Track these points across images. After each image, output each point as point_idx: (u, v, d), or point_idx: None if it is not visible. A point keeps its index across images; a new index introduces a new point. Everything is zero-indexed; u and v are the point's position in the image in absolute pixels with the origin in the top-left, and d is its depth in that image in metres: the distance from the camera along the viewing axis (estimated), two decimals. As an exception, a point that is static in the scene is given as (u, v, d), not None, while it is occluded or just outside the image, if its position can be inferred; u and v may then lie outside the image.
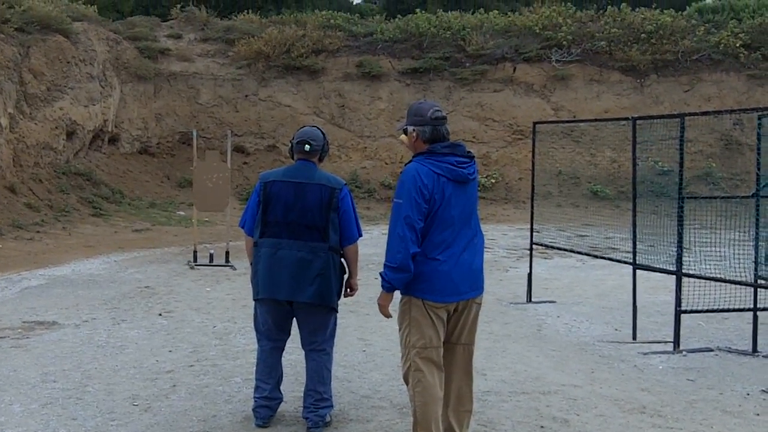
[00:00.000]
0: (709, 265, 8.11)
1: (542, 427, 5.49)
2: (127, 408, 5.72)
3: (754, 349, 7.57)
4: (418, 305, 4.60)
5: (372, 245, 15.96)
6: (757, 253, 7.62)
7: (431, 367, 4.60)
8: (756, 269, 7.60)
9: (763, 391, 6.35)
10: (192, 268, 12.48)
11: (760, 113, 7.52)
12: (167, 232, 17.35)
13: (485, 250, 5.02)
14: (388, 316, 4.70)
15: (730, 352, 7.64)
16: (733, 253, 8.16)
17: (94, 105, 20.62)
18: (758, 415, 5.79)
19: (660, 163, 16.69)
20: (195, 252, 12.86)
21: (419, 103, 4.84)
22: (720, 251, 8.47)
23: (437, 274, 4.55)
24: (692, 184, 20.42)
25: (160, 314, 8.96)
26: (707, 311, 7.93)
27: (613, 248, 13.28)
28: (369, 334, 8.20)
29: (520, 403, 6.02)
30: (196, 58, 24.17)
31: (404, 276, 4.50)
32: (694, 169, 21.48)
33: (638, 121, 8.32)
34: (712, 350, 7.69)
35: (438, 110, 4.72)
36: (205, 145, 20.85)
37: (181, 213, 19.76)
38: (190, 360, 7.05)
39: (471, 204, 4.70)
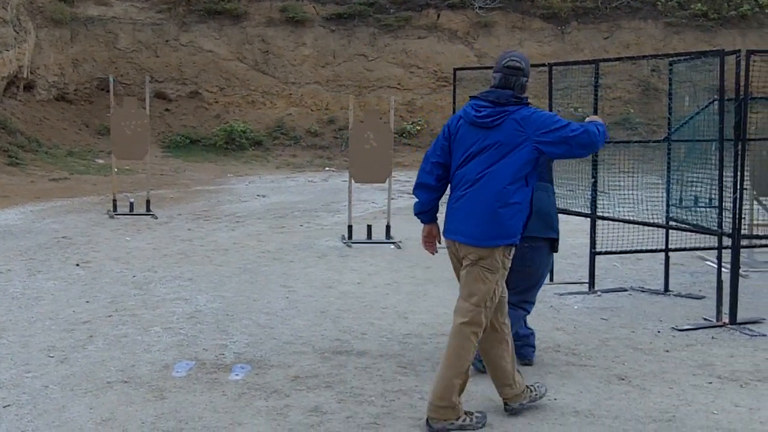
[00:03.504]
0: (624, 208, 8.30)
1: (460, 367, 5.59)
2: (43, 359, 5.64)
3: (666, 289, 7.83)
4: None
5: (297, 193, 15.95)
6: (668, 195, 7.83)
7: None
8: (668, 211, 7.81)
9: (674, 328, 6.58)
10: (111, 217, 12.27)
11: (671, 59, 7.68)
12: (86, 181, 16.99)
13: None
14: (430, 252, 5.09)
15: (643, 291, 7.89)
16: (647, 196, 8.37)
17: (7, 51, 19.88)
18: (668, 351, 6.01)
19: (579, 109, 16.91)
20: (114, 201, 12.63)
21: (505, 52, 4.91)
22: (635, 194, 8.67)
23: (447, 211, 4.76)
24: (611, 129, 20.76)
25: (78, 264, 8.81)
26: (621, 252, 8.16)
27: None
28: (293, 281, 8.21)
29: (440, 345, 6.10)
30: (114, 2, 23.45)
31: (417, 203, 4.91)
32: (614, 115, 21.87)
33: (558, 68, 8.41)
34: (625, 290, 7.93)
35: (514, 59, 4.67)
36: (125, 92, 20.37)
37: (100, 161, 19.34)
38: (108, 310, 6.96)
39: (493, 149, 4.55)
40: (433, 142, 4.86)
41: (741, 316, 6.79)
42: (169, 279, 8.18)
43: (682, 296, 7.72)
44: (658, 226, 7.82)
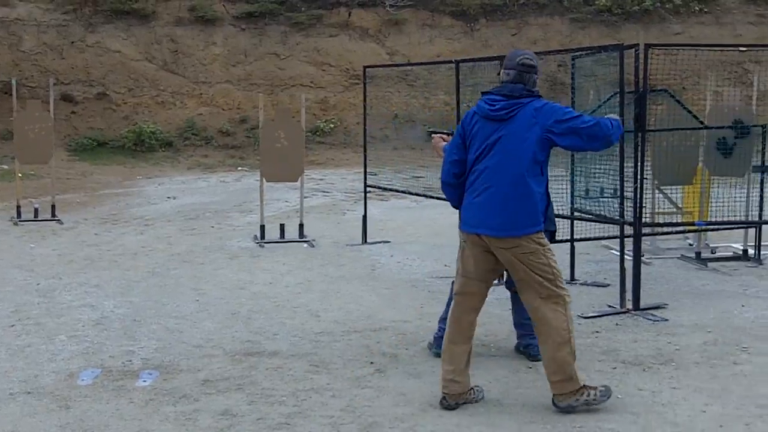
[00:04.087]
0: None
1: (372, 363, 5.62)
2: (-59, 373, 5.45)
3: (572, 278, 7.98)
4: (461, 234, 4.92)
5: (209, 193, 15.75)
6: (573, 187, 8.00)
7: (457, 295, 4.90)
8: (572, 202, 7.98)
9: (579, 316, 6.72)
10: (15, 224, 11.90)
11: (573, 54, 7.86)
12: (-11, 188, 16.43)
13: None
14: None
15: (550, 282, 8.02)
16: (553, 189, 8.52)
17: None
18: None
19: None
20: (18, 207, 12.25)
21: (515, 50, 5.04)
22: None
23: (465, 205, 4.85)
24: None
25: (-21, 274, 8.54)
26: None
27: (447, 188, 13.59)
28: (203, 283, 8.11)
29: (352, 342, 6.14)
30: (18, 3, 22.69)
31: (449, 200, 5.06)
32: (524, 110, 22.18)
33: (469, 64, 8.54)
34: (534, 281, 8.04)
35: (527, 57, 4.83)
36: (29, 95, 19.74)
37: (5, 167, 18.71)
38: (10, 320, 6.75)
39: (510, 143, 4.66)
40: (450, 141, 5.02)
41: (644, 302, 6.99)
42: (75, 286, 7.99)
43: (587, 285, 7.90)
44: (563, 217, 7.97)
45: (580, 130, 4.65)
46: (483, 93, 4.90)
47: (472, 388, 4.88)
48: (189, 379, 5.34)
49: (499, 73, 4.88)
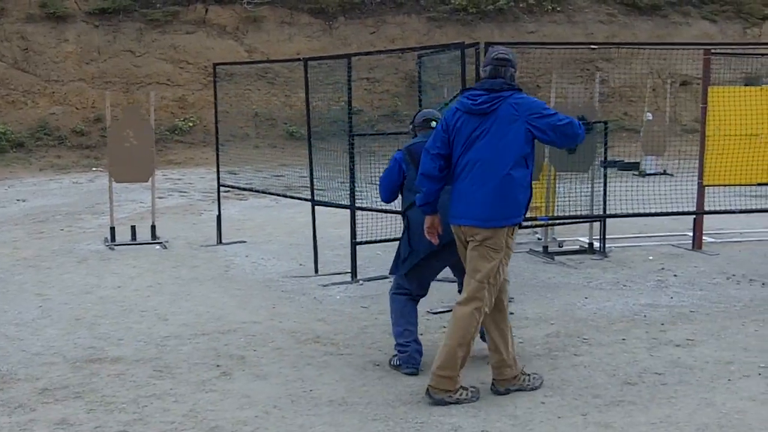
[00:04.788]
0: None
1: (218, 366, 5.55)
2: None
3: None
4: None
5: (61, 195, 15.21)
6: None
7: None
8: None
9: (428, 311, 6.85)
10: None
11: (419, 53, 8.00)
12: None
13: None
14: (434, 242, 5.12)
15: (403, 278, 8.13)
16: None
17: None
18: (422, 334, 6.21)
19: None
20: None
21: (493, 48, 5.14)
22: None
23: (452, 198, 4.89)
24: (381, 122, 21.35)
25: None
26: (382, 241, 8.38)
27: (306, 187, 13.58)
28: (48, 288, 7.82)
29: (200, 345, 6.04)
30: None
31: (421, 195, 4.98)
32: (383, 108, 22.42)
33: (329, 62, 8.56)
34: (387, 277, 8.13)
35: (501, 52, 4.92)
36: None
37: None
38: None
39: (494, 136, 4.74)
40: (432, 135, 5.01)
41: (491, 295, 7.15)
42: None
43: (438, 280, 8.02)
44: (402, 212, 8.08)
45: (557, 127, 4.77)
46: (464, 90, 5.01)
47: (524, 373, 5.08)
48: (26, 388, 5.14)
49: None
